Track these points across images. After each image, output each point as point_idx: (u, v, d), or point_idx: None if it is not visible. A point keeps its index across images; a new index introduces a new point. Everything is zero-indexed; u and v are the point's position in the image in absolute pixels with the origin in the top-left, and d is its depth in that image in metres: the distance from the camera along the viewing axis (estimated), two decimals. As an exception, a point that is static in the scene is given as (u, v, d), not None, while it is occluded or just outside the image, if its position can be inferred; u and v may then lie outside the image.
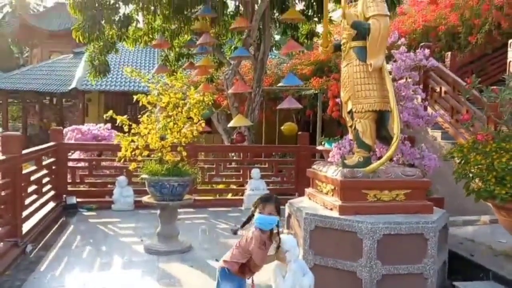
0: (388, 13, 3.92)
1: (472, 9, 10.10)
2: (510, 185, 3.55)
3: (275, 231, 3.14)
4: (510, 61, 7.90)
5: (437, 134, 7.61)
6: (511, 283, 3.50)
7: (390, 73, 4.36)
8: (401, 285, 3.62)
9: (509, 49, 7.95)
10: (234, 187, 8.97)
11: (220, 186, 9.06)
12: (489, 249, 4.17)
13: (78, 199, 7.67)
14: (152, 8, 9.49)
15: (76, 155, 8.72)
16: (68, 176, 7.90)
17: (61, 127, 8.47)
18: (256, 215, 3.15)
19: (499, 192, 3.57)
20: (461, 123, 5.07)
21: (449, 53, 9.17)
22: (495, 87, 5.15)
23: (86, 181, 8.08)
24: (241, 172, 8.82)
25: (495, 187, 3.60)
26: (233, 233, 3.54)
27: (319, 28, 11.44)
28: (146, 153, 5.59)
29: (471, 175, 3.89)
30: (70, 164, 8.05)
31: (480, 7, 9.96)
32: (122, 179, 7.71)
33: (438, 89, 7.88)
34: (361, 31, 3.90)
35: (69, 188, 7.81)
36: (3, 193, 4.95)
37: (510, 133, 3.74)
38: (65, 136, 8.61)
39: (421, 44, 8.49)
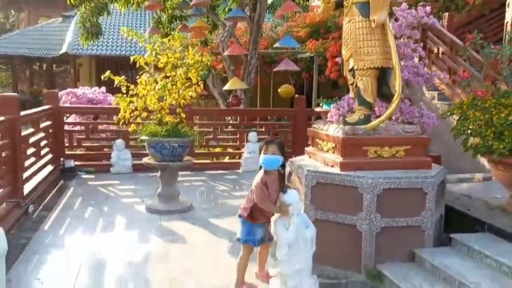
0: (392, -33, 3.86)
1: (470, -32, 9.95)
2: (508, 139, 3.61)
3: (281, 171, 3.31)
4: (507, 22, 7.83)
5: (434, 95, 7.64)
6: (505, 234, 3.61)
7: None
8: (400, 237, 3.73)
9: (507, 9, 7.86)
10: (231, 150, 9.03)
11: (217, 150, 9.11)
12: (484, 204, 4.28)
13: (76, 163, 7.69)
14: (145, -33, 9.25)
15: (71, 119, 8.67)
16: (65, 140, 7.88)
17: (56, 90, 8.36)
18: (261, 156, 3.29)
19: (497, 147, 3.63)
20: (461, 79, 5.08)
21: (447, 13, 9.07)
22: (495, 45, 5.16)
23: (83, 144, 8.07)
24: (237, 136, 8.85)
25: (493, 142, 3.66)
26: None
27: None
28: (145, 114, 5.58)
29: (469, 131, 3.94)
30: (67, 127, 8.02)
31: (478, -34, 9.82)
32: (119, 142, 7.72)
33: (435, 50, 7.85)
34: (364, -14, 3.85)
35: (67, 152, 7.81)
36: (3, 154, 4.95)
37: (509, 89, 3.77)
38: (60, 100, 8.52)
39: (420, 3, 8.39)
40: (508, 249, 3.45)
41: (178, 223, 5.04)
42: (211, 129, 8.68)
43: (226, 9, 11.40)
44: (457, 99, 6.91)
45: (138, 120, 5.72)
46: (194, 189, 6.65)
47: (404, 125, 4.13)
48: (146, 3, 9.92)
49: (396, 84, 3.87)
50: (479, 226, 3.88)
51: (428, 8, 4.67)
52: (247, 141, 8.37)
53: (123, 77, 5.58)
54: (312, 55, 11.31)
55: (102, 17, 10.31)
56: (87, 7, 9.51)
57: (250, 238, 3.35)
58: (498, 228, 3.70)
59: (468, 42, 4.10)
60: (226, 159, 8.93)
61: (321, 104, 6.99)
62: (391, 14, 4.61)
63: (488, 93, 3.83)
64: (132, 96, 5.52)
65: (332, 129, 4.18)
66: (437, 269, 3.45)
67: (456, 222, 4.13)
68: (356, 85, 4.17)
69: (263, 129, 9.10)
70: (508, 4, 7.85)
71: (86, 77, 18.71)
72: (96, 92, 9.19)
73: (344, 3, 4.18)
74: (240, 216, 3.38)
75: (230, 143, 9.06)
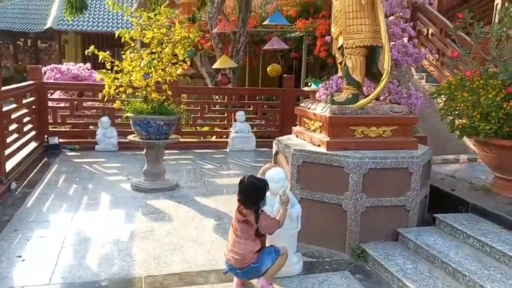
0: None
1: (462, -51, 9.85)
2: (495, 121, 3.62)
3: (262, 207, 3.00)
4: (497, 4, 7.81)
5: (422, 76, 7.63)
6: (489, 214, 3.65)
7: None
8: (384, 217, 3.75)
9: (497, -9, 7.84)
10: (219, 129, 8.97)
11: (205, 129, 9.04)
12: (469, 184, 4.32)
13: (61, 140, 7.57)
14: None
15: (56, 95, 8.50)
16: (49, 117, 7.73)
17: (39, 66, 8.16)
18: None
19: (483, 128, 3.64)
20: (450, 59, 5.06)
21: (437, -5, 9.01)
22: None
23: (68, 121, 7.93)
24: (225, 115, 8.78)
25: (480, 123, 3.67)
26: None
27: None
28: (130, 91, 5.48)
29: (457, 112, 3.94)
30: (51, 104, 7.86)
31: None
32: (105, 119, 7.60)
33: (425, 31, 7.81)
34: (354, -39, 3.76)
35: (51, 129, 7.68)
36: (-16, 130, 4.84)
37: (498, 70, 3.76)
38: (43, 76, 8.33)
39: (410, -16, 8.31)
40: (491, 229, 3.48)
41: (163, 201, 5.01)
42: (199, 108, 8.59)
43: (215, -15, 11.17)
44: (445, 81, 6.92)
45: (123, 96, 5.61)
46: (180, 168, 6.61)
47: (392, 105, 4.11)
48: (132, -22, 9.66)
49: (385, 63, 3.83)
50: (463, 206, 3.91)
51: (419, -13, 4.61)
52: (235, 120, 8.31)
53: (107, 52, 5.44)
54: (302, 34, 11.19)
55: (87, -9, 10.04)
56: (72, -20, 9.23)
57: (273, 253, 3.02)
58: (482, 209, 3.73)
59: (458, 22, 4.05)
60: (213, 138, 8.88)
61: (309, 84, 6.94)
62: (381, -7, 4.54)
63: (477, 73, 3.81)
64: (117, 72, 5.40)
65: (319, 108, 4.14)
66: (420, 248, 3.48)
67: (440, 202, 4.16)
68: (345, 63, 4.12)
69: (251, 108, 9.03)
70: (499, -13, 7.82)
71: (71, 54, 18.32)
72: (81, 68, 9.00)
73: (335, -21, 4.10)
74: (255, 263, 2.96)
75: (218, 122, 8.99)
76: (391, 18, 4.59)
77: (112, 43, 14.14)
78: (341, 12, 4.01)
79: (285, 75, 9.15)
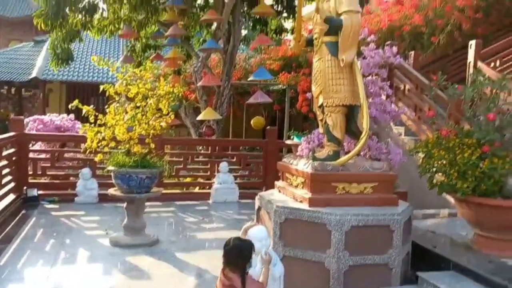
0: (360, 10, 4.00)
1: (435, 10, 10.40)
2: (471, 179, 3.71)
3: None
4: (470, 62, 8.20)
5: (401, 130, 7.83)
6: (470, 272, 3.66)
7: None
8: (367, 275, 3.72)
9: (469, 50, 8.25)
10: (202, 180, 8.93)
11: (187, 180, 9.00)
12: (450, 240, 4.35)
13: (40, 192, 7.43)
14: (119, -4, 9.27)
15: (37, 146, 8.43)
16: (29, 168, 7.63)
17: (22, 117, 8.15)
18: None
19: (460, 186, 3.72)
20: (426, 118, 5.23)
21: (413, 52, 9.41)
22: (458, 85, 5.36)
23: (48, 173, 7.83)
24: (208, 166, 8.78)
25: (457, 181, 3.75)
26: None
27: (288, 24, 11.53)
28: (112, 144, 5.47)
29: (434, 169, 4.03)
30: (32, 155, 7.78)
31: (443, 8, 10.28)
32: (86, 171, 7.52)
33: (402, 87, 8.10)
34: (333, 26, 3.96)
35: (30, 180, 7.55)
36: (-40, 184, 4.74)
37: (472, 130, 3.89)
38: (26, 127, 8.29)
39: (387, 42, 8.70)
40: (473, 288, 3.48)
41: (143, 257, 4.88)
42: (182, 159, 8.59)
43: (201, 40, 11.51)
44: (423, 135, 7.11)
45: (106, 149, 5.59)
46: (162, 221, 6.51)
47: (372, 162, 4.19)
48: (120, 32, 9.91)
49: (364, 121, 3.95)
50: (445, 263, 3.92)
51: (394, 49, 4.84)
52: (218, 171, 8.31)
53: (91, 106, 5.48)
54: (284, 87, 11.48)
55: (74, 43, 10.22)
56: (59, 33, 9.39)
57: None
58: (463, 267, 3.74)
59: (433, 83, 4.24)
60: (196, 189, 8.82)
61: (292, 137, 7.02)
62: (359, 54, 4.75)
63: (452, 132, 3.95)
64: (100, 126, 5.42)
65: (301, 164, 4.20)
66: (404, 308, 3.45)
67: (423, 259, 4.16)
68: (325, 121, 4.23)
69: (234, 160, 9.07)
70: (470, 46, 8.24)
71: (55, 102, 18.33)
72: (64, 119, 9.00)
73: (314, 42, 4.28)
74: None
75: (201, 173, 8.97)
76: (369, 78, 4.77)
77: (97, 93, 14.24)
78: (321, 73, 4.17)
79: (268, 127, 9.29)
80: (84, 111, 5.44)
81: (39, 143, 8.51)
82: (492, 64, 8.13)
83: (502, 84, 3.66)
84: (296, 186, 4.21)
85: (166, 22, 9.46)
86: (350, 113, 4.16)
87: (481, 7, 9.94)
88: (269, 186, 7.65)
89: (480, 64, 7.89)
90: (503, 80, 3.68)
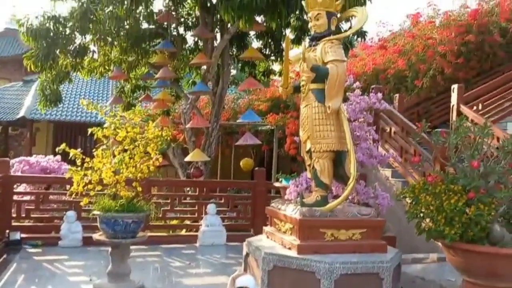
0: (345, 59, 4.13)
1: (418, 55, 10.77)
2: (458, 225, 3.72)
3: None
4: (453, 105, 8.42)
5: (388, 172, 7.90)
6: (461, 320, 3.62)
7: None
8: (358, 325, 3.65)
9: (452, 93, 8.49)
10: (189, 222, 8.82)
11: (174, 222, 8.87)
12: (439, 287, 4.31)
13: (23, 235, 7.22)
14: (110, 39, 9.42)
15: (22, 187, 8.29)
16: (13, 210, 7.47)
17: (7, 158, 8.05)
18: None
19: (448, 232, 3.72)
20: (412, 164, 5.31)
21: (397, 95, 9.67)
22: (443, 129, 5.47)
23: (32, 215, 7.66)
24: (196, 208, 8.69)
25: (444, 227, 3.76)
26: None
27: (276, 66, 11.78)
28: (99, 187, 5.41)
29: (422, 215, 4.04)
30: (16, 197, 7.64)
31: (425, 53, 10.65)
32: (71, 214, 7.38)
33: (388, 129, 8.25)
34: (320, 74, 4.07)
35: (13, 223, 7.37)
36: None
37: (457, 175, 3.95)
38: (11, 168, 8.19)
39: (372, 86, 8.92)
40: (464, 337, 3.42)
41: (127, 306, 4.73)
42: (169, 200, 8.50)
43: (190, 82, 11.68)
44: (410, 177, 7.19)
45: (92, 193, 5.52)
46: (147, 265, 6.36)
47: (360, 207, 4.20)
48: (110, 74, 10.01)
49: (351, 167, 3.99)
50: (434, 311, 3.87)
51: (379, 95, 4.96)
52: (206, 213, 8.22)
53: (79, 148, 5.46)
54: (272, 128, 11.60)
55: (63, 84, 10.29)
56: (49, 74, 9.47)
57: None
58: (453, 314, 3.70)
59: (418, 129, 4.33)
60: (183, 232, 8.68)
61: (280, 180, 7.04)
62: (345, 99, 4.86)
63: (438, 178, 3.99)
64: (87, 169, 5.37)
65: (290, 210, 4.19)
66: None
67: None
68: (313, 166, 4.26)
69: (222, 201, 9.00)
70: (453, 89, 8.50)
71: (42, 142, 18.18)
72: (50, 160, 8.92)
73: (301, 88, 4.38)
74: None
75: (188, 215, 8.86)
76: (355, 122, 4.86)
77: (85, 132, 14.21)
78: (308, 119, 4.24)
79: (256, 168, 9.30)
80: (71, 155, 5.41)
81: (24, 184, 8.38)
82: (475, 108, 8.37)
83: (485, 132, 3.75)
84: (285, 232, 4.19)
85: (156, 64, 9.62)
86: (338, 158, 4.20)
87: (462, 52, 10.33)
88: (257, 228, 7.57)
89: (463, 107, 8.11)
90: (486, 128, 3.77)
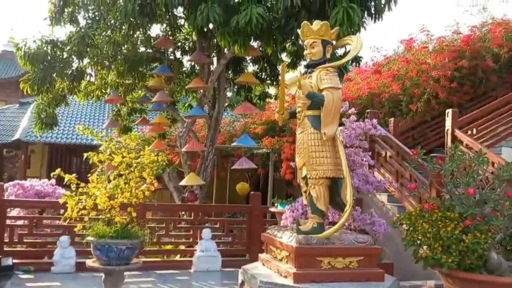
0: (341, 86, 4.17)
1: (412, 79, 10.89)
2: (456, 253, 3.70)
3: None
4: (447, 129, 8.49)
5: (384, 197, 7.87)
6: None
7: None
8: None
9: (446, 118, 8.57)
10: (183, 247, 8.71)
11: (169, 247, 8.76)
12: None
13: (15, 260, 7.10)
14: (107, 63, 9.49)
15: (15, 211, 8.20)
16: (6, 235, 7.36)
17: (1, 182, 7.99)
18: None
19: (445, 260, 3.70)
20: (408, 191, 5.31)
21: (392, 119, 9.73)
22: (438, 155, 5.50)
23: (25, 240, 7.55)
24: (191, 232, 8.60)
25: (441, 255, 3.74)
26: None
27: (272, 90, 11.87)
28: (93, 213, 5.37)
29: (419, 242, 4.02)
30: (9, 222, 7.54)
31: (419, 78, 10.78)
32: (64, 239, 7.27)
33: (383, 154, 8.27)
34: (315, 101, 4.10)
35: (6, 248, 7.26)
36: None
37: (454, 203, 3.95)
38: (5, 192, 8.11)
39: (367, 110, 8.99)
40: None
41: (120, 335, 4.63)
42: (164, 225, 8.42)
43: (186, 105, 11.72)
44: (406, 202, 7.17)
45: (86, 219, 5.47)
46: (141, 293, 6.26)
47: (356, 235, 4.18)
48: (106, 97, 10.05)
49: (347, 194, 3.99)
50: None
51: (375, 121, 4.99)
52: (201, 238, 8.13)
53: (74, 174, 5.43)
54: (268, 151, 11.60)
55: (59, 107, 10.31)
56: (45, 98, 9.48)
57: None
58: None
59: (413, 156, 4.34)
60: (178, 257, 8.57)
61: (276, 205, 7.00)
62: (341, 124, 4.88)
63: (434, 205, 3.99)
64: (81, 194, 5.34)
65: (286, 237, 4.15)
66: None
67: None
68: (309, 193, 4.25)
69: (217, 226, 8.92)
70: (447, 114, 8.58)
71: (37, 164, 18.10)
72: (44, 184, 8.85)
73: (297, 115, 4.40)
74: None
75: (183, 240, 8.76)
76: (351, 148, 4.88)
77: (80, 154, 14.17)
78: (304, 145, 4.25)
79: (252, 192, 9.25)
80: (66, 180, 5.38)
81: (17, 208, 8.29)
82: (469, 132, 8.43)
83: (480, 159, 3.77)
84: (281, 260, 4.14)
85: (153, 88, 9.67)
86: (334, 185, 4.20)
87: (455, 77, 10.47)
88: (253, 253, 7.49)
89: (457, 132, 8.17)
90: (481, 155, 3.80)
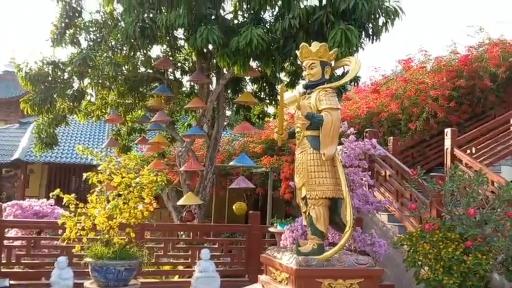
0: (340, 107, 4.19)
1: (410, 99, 10.96)
2: (457, 274, 3.67)
3: None
4: (447, 148, 8.50)
5: (384, 217, 7.83)
6: None
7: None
8: None
9: (445, 137, 8.59)
10: (182, 268, 8.61)
11: (167, 267, 8.66)
12: None
13: (12, 282, 7.01)
14: (108, 84, 9.55)
15: (13, 232, 8.13)
16: (3, 256, 7.28)
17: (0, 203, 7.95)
18: None
19: (447, 282, 3.68)
20: (409, 210, 5.30)
21: (392, 138, 9.76)
22: (438, 174, 5.50)
23: (22, 261, 7.47)
24: (189, 252, 8.52)
25: (443, 277, 3.71)
26: None
27: (271, 109, 11.92)
28: (92, 235, 5.34)
29: (420, 263, 4.00)
30: (6, 242, 7.46)
31: (418, 97, 10.85)
32: (62, 260, 7.15)
33: (383, 173, 8.25)
34: (314, 122, 4.11)
35: (2, 270, 7.17)
36: None
37: (454, 223, 3.93)
38: (3, 212, 8.06)
39: (366, 129, 9.02)
40: None
41: None
42: (162, 245, 8.34)
43: (186, 124, 11.75)
44: (406, 222, 7.13)
45: (84, 239, 5.44)
46: (139, 315, 6.14)
47: (357, 256, 4.14)
48: (107, 117, 10.08)
49: (347, 215, 3.97)
50: None
51: (374, 141, 5.00)
52: (199, 258, 8.04)
53: (73, 194, 5.42)
54: (267, 170, 11.58)
55: (60, 127, 10.33)
56: (45, 118, 9.51)
57: None
58: None
59: (413, 177, 4.34)
60: (176, 278, 8.47)
61: (275, 225, 6.96)
62: (340, 144, 4.89)
63: (435, 226, 3.97)
64: (80, 214, 5.32)
65: (285, 259, 4.12)
66: None
67: None
68: (309, 213, 4.23)
69: (216, 246, 8.83)
70: (446, 133, 8.60)
71: (36, 183, 18.04)
72: (43, 205, 8.80)
73: (296, 135, 4.42)
74: None
75: (181, 261, 8.67)
76: (350, 168, 4.87)
77: (79, 173, 14.14)
78: (303, 165, 4.24)
79: (251, 212, 9.20)
80: (64, 201, 5.37)
81: (15, 229, 8.22)
82: (468, 151, 8.45)
83: (480, 180, 3.77)
84: (281, 282, 4.10)
85: (152, 107, 9.71)
86: (334, 205, 4.18)
87: (453, 97, 10.54)
88: (252, 274, 7.39)
89: (456, 151, 8.18)
90: (480, 176, 3.80)
